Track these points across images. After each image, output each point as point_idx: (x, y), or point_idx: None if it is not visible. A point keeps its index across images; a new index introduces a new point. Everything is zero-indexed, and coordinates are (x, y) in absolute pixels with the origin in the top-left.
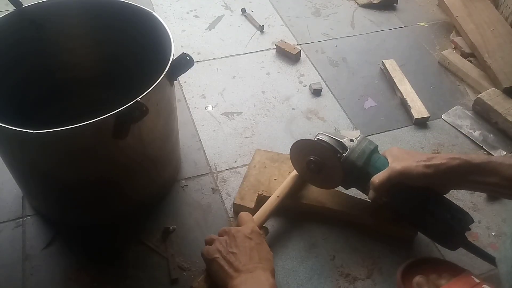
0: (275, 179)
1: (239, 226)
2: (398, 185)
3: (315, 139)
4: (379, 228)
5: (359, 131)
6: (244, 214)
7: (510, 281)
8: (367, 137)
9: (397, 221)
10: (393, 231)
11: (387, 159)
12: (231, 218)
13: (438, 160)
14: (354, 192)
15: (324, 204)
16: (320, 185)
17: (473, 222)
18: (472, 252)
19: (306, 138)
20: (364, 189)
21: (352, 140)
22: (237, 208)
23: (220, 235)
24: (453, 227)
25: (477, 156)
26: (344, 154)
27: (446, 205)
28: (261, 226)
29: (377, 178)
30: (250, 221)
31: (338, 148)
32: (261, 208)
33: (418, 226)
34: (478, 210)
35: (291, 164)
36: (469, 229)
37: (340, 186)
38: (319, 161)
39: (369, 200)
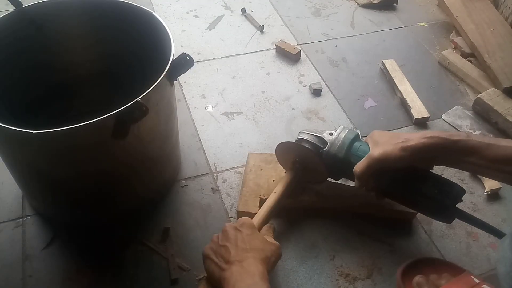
0: (273, 180)
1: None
2: (380, 170)
3: (297, 138)
4: (380, 213)
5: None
6: (242, 218)
7: (509, 282)
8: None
9: (392, 205)
10: (393, 213)
11: (369, 145)
12: (231, 218)
13: (415, 141)
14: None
15: (324, 198)
16: (310, 181)
17: (465, 192)
18: (468, 222)
19: (287, 140)
20: (352, 178)
21: (331, 134)
22: (242, 216)
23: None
24: (443, 201)
25: (456, 134)
26: (325, 149)
27: (433, 180)
28: (262, 224)
29: (358, 167)
30: (244, 218)
31: (318, 144)
32: (260, 208)
33: (411, 205)
34: (478, 210)
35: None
36: (461, 200)
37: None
38: (302, 160)
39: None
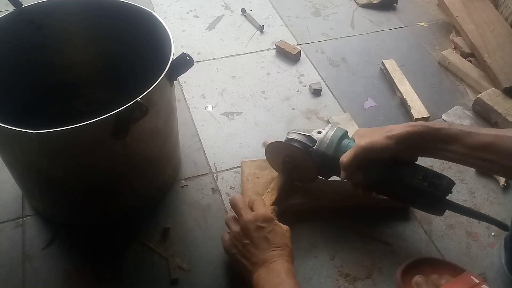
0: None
1: (252, 210)
2: (367, 161)
3: (286, 138)
4: (379, 202)
5: (348, 113)
6: (257, 201)
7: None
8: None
9: (381, 200)
10: (386, 201)
11: (355, 140)
12: None
13: (400, 129)
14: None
15: (313, 197)
16: (300, 180)
17: (454, 184)
18: (460, 213)
19: (277, 140)
20: None
21: (319, 132)
22: None
23: (232, 220)
24: (433, 194)
25: (438, 123)
26: (314, 147)
27: (422, 173)
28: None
29: (345, 157)
30: (261, 207)
31: (308, 143)
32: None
33: (400, 198)
34: (478, 210)
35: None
36: (451, 192)
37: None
38: (292, 159)
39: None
